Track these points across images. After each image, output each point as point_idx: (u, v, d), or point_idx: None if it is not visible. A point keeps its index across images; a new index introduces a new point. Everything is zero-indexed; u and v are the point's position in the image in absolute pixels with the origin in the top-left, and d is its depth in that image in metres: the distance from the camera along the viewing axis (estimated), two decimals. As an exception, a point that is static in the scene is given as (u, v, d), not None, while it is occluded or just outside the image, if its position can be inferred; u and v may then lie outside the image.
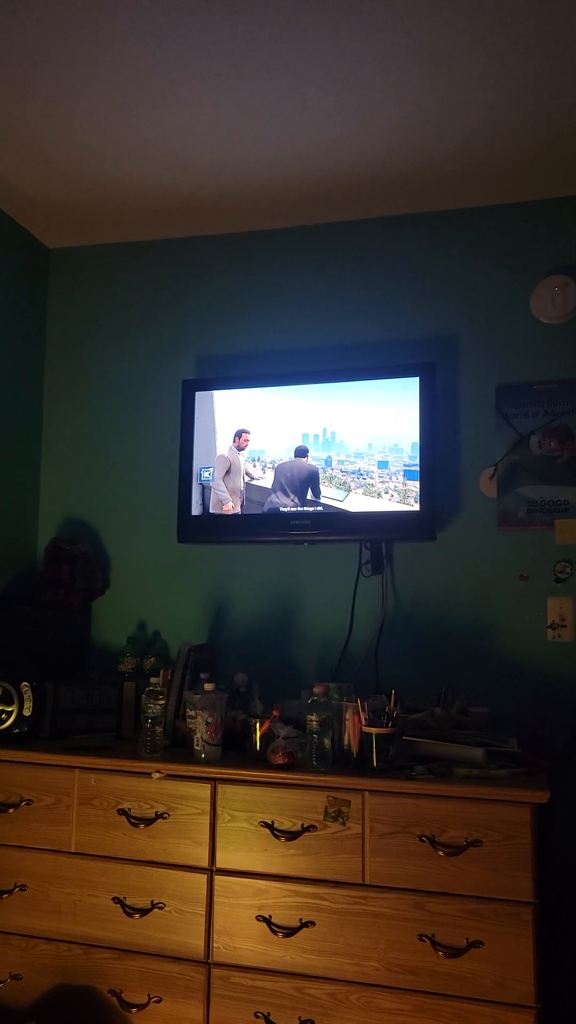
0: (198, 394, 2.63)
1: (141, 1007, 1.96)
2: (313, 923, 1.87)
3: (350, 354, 2.66)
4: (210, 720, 2.02)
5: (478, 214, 2.62)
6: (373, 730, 1.94)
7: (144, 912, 1.98)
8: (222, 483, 2.57)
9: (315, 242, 2.76)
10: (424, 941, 1.80)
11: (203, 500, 2.59)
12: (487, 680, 2.38)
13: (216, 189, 2.57)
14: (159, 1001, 1.95)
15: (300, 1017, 1.86)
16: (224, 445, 2.59)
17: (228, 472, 2.57)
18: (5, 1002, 2.04)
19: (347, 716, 2.00)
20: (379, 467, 2.44)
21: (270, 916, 1.90)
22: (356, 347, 2.67)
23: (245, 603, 2.65)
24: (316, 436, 2.51)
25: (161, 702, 2.09)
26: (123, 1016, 1.96)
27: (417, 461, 2.40)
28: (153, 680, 2.12)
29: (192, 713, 2.07)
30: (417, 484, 2.39)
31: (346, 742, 2.00)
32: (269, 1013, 1.88)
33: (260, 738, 2.04)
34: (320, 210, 2.68)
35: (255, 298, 2.79)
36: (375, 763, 1.93)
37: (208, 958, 1.94)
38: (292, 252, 2.77)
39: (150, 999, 1.95)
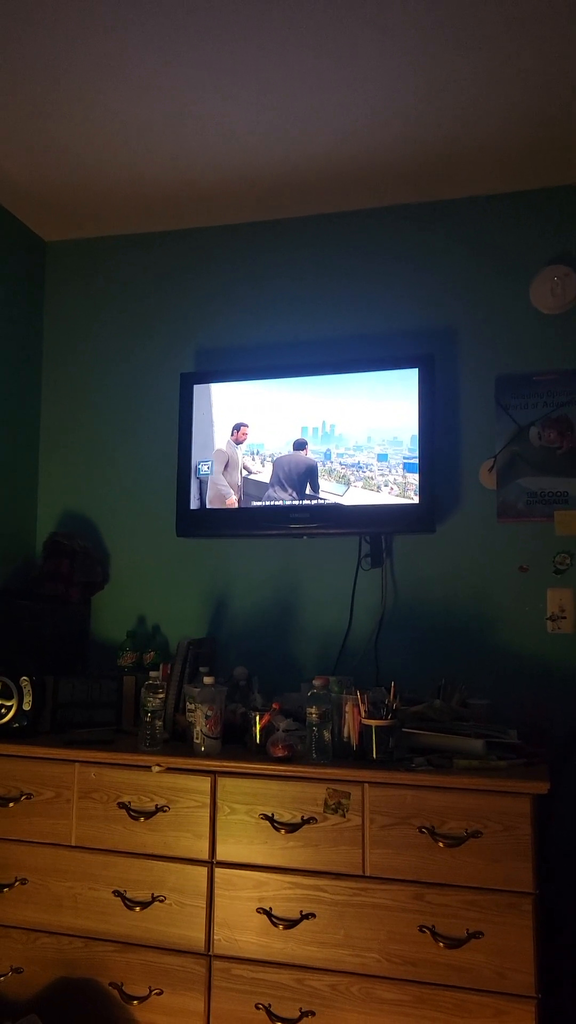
0: (196, 387, 2.62)
1: (142, 999, 1.96)
2: (313, 915, 1.87)
3: (349, 346, 2.65)
4: (210, 713, 2.02)
5: (477, 204, 2.61)
6: (373, 722, 1.93)
7: (145, 905, 1.98)
8: (220, 477, 2.56)
9: (312, 233, 2.74)
10: (424, 932, 1.80)
11: (201, 494, 2.58)
12: (487, 672, 2.38)
13: (214, 181, 2.56)
14: (160, 993, 1.95)
15: (301, 1008, 1.86)
16: (222, 439, 2.58)
17: (226, 466, 2.56)
18: (6, 995, 2.05)
19: (347, 708, 2.00)
20: (378, 460, 2.44)
21: (270, 908, 1.90)
22: (355, 339, 2.66)
23: (245, 597, 2.65)
24: (315, 429, 2.51)
25: (161, 696, 2.08)
26: (124, 1009, 1.97)
27: (416, 454, 2.39)
28: (153, 674, 2.12)
29: (192, 707, 2.07)
30: (416, 477, 2.38)
31: (346, 734, 2.00)
32: (270, 1005, 1.88)
33: (260, 731, 2.04)
34: (317, 201, 2.66)
35: (253, 290, 2.78)
36: (375, 755, 1.92)
37: (209, 950, 1.94)
38: (290, 243, 2.76)
39: (151, 991, 1.96)
